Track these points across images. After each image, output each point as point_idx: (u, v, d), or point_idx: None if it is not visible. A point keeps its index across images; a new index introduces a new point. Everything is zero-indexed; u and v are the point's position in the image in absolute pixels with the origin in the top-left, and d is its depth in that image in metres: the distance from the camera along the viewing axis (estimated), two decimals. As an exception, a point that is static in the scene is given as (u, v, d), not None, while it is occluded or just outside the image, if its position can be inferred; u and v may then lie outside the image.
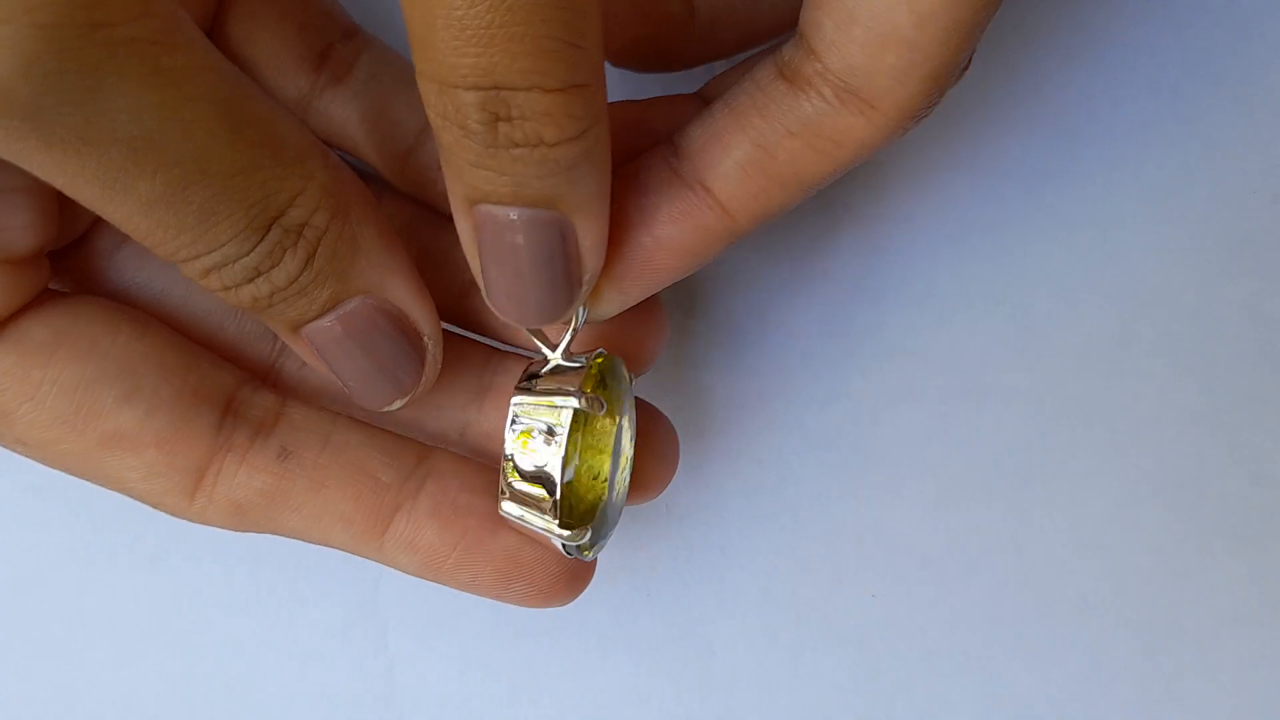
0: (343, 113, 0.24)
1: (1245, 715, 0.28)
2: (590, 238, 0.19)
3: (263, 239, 0.18)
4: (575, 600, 0.23)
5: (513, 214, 0.18)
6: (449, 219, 0.24)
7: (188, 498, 0.21)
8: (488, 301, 0.20)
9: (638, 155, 0.21)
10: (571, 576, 0.22)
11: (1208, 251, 0.29)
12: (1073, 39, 0.29)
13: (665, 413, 0.24)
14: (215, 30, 0.23)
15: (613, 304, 0.21)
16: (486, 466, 0.22)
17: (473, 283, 0.23)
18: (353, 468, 0.21)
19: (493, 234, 0.18)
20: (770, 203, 0.20)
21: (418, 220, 0.24)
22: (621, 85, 0.25)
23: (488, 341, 0.24)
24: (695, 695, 0.28)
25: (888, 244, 0.29)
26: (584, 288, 0.20)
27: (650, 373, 0.28)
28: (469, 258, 0.19)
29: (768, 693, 0.28)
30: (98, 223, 0.23)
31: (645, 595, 0.28)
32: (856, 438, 0.28)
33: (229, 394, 0.21)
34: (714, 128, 0.20)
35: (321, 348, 0.20)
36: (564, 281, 0.19)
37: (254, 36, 0.23)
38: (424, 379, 0.21)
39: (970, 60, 0.19)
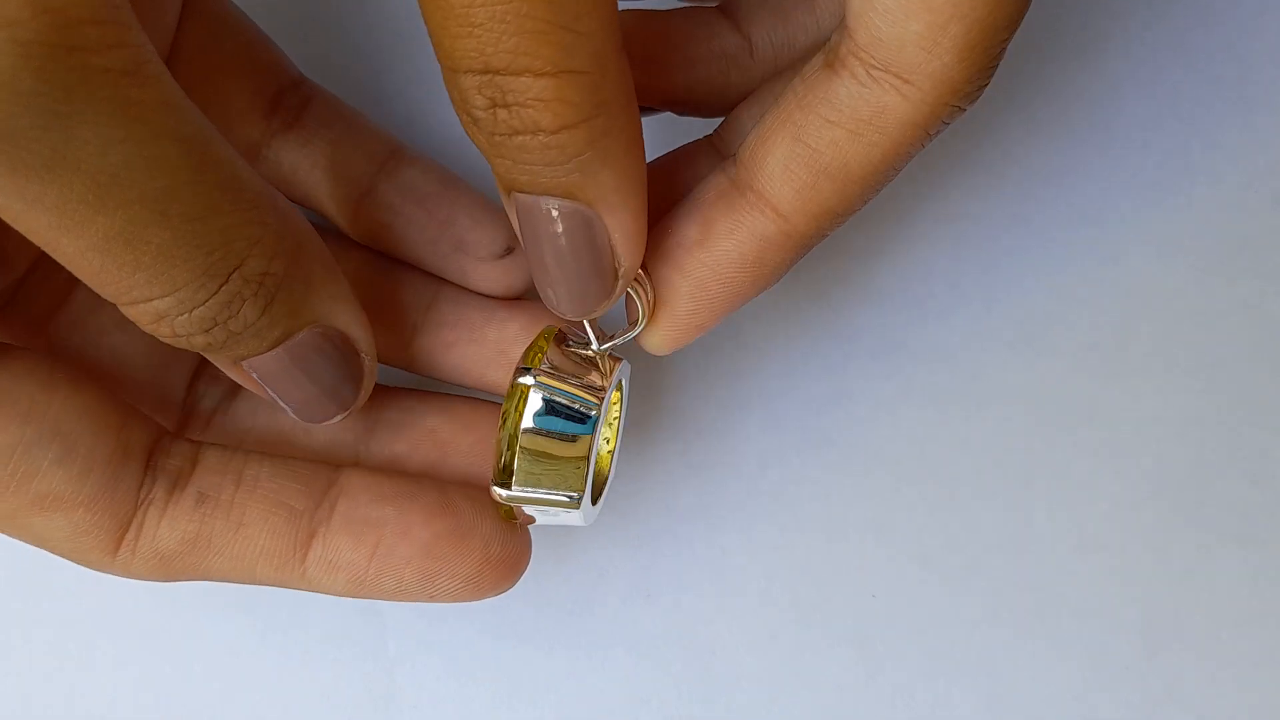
0: (293, 159, 0.24)
1: (1245, 715, 0.28)
2: (620, 230, 0.18)
3: (220, 288, 0.18)
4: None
5: (542, 203, 0.18)
6: (399, 265, 0.24)
7: (110, 554, 0.20)
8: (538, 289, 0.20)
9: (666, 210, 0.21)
10: (499, 561, 0.21)
11: (1208, 251, 0.29)
12: (1073, 39, 0.29)
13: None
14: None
15: (685, 331, 0.21)
16: (399, 474, 0.22)
17: (416, 326, 0.24)
18: (268, 501, 0.21)
19: (528, 222, 0.18)
20: (824, 200, 0.19)
21: (368, 267, 0.24)
22: (670, 128, 0.24)
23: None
24: (695, 695, 0.28)
25: (888, 243, 0.29)
26: (620, 281, 0.19)
27: (650, 374, 0.28)
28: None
29: (768, 693, 0.28)
30: (35, 278, 0.22)
31: (645, 595, 0.28)
32: (856, 438, 0.28)
33: (150, 447, 0.21)
34: (762, 128, 0.19)
35: (266, 377, 0.20)
36: (595, 274, 0.19)
37: (205, 80, 0.23)
38: (362, 393, 0.21)
39: (1015, 28, 0.18)
